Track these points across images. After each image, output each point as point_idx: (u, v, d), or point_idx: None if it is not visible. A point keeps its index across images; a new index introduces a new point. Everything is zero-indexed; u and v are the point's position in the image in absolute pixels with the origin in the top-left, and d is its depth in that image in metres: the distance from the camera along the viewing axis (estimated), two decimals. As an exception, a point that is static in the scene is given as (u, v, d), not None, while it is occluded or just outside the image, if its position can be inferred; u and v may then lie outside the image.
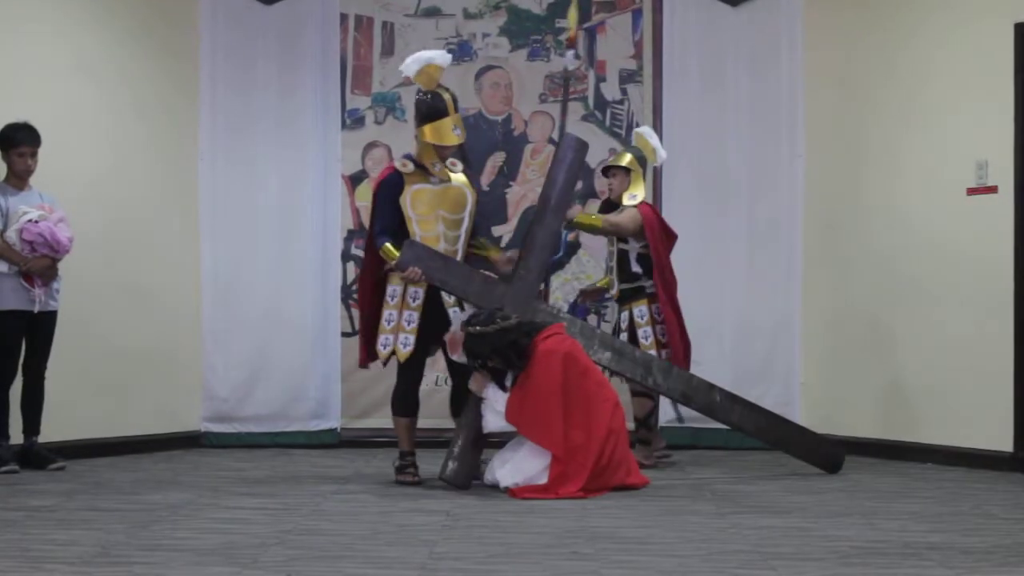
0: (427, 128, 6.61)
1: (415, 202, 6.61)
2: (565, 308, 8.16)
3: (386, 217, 6.61)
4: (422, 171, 6.67)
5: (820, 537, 5.09)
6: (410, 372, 6.66)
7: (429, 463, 6.70)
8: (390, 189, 6.63)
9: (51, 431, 7.26)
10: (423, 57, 6.66)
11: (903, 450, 7.63)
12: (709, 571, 4.45)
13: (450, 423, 6.77)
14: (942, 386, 7.43)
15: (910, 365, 7.68)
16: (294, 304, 8.32)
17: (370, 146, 8.42)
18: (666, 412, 8.19)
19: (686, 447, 8.16)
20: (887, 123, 7.92)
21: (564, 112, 7.27)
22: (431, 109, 6.61)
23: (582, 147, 6.95)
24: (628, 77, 8.49)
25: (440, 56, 6.73)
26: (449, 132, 6.61)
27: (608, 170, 7.54)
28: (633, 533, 5.19)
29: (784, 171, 8.38)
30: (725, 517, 5.61)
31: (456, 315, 6.61)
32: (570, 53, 7.23)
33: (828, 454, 7.09)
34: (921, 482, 6.83)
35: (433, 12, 8.46)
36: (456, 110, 6.68)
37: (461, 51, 8.45)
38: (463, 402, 6.61)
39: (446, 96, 6.64)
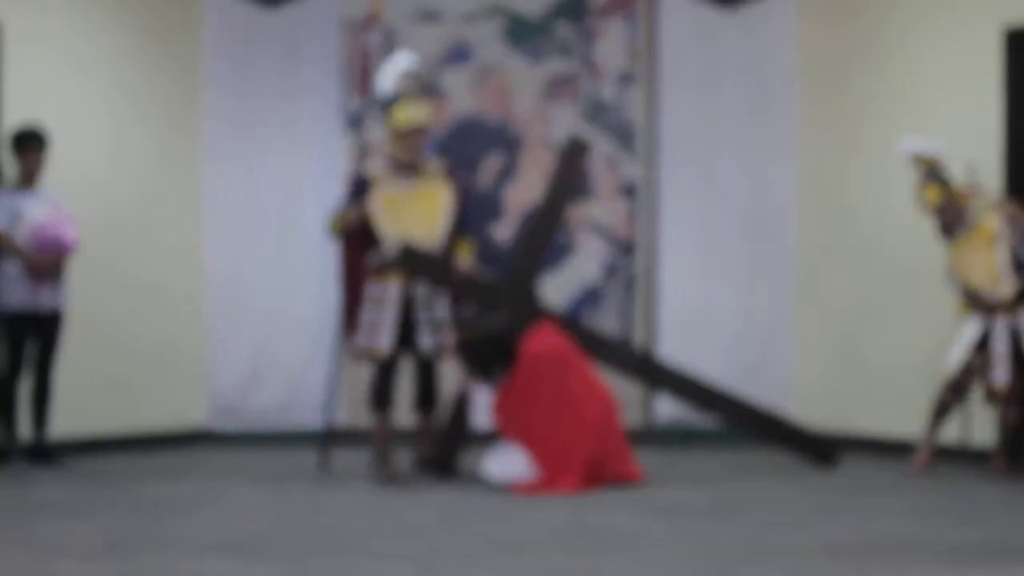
0: (387, 116, 6.73)
1: (385, 206, 6.66)
2: (561, 307, 8.21)
3: (341, 206, 6.74)
4: (395, 173, 6.71)
5: (815, 533, 5.06)
6: (385, 367, 6.69)
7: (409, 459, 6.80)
8: (353, 187, 6.75)
9: (58, 427, 7.32)
10: (394, 68, 6.76)
11: (898, 446, 7.64)
12: (705, 566, 4.42)
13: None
14: (936, 382, 7.47)
15: (905, 362, 7.72)
16: (296, 301, 8.37)
17: (369, 147, 8.44)
18: (665, 407, 8.27)
19: (683, 443, 8.21)
20: (880, 121, 7.97)
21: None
22: (388, 98, 6.72)
23: (585, 148, 6.99)
24: (625, 79, 8.55)
25: (404, 61, 6.82)
26: (404, 116, 6.66)
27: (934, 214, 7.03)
28: (630, 528, 5.18)
29: (779, 171, 8.43)
30: (721, 512, 5.61)
31: (447, 317, 6.69)
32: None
33: (823, 450, 7.10)
34: (916, 478, 6.84)
35: (432, 16, 8.50)
36: (418, 97, 6.76)
37: (460, 55, 8.51)
38: (428, 398, 6.76)
39: (407, 87, 6.76)
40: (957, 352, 6.97)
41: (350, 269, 6.86)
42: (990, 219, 6.94)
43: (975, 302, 6.99)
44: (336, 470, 6.97)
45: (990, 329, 6.92)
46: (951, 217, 7.00)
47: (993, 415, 7.16)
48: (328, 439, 6.78)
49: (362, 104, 8.41)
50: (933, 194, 6.98)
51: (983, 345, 6.95)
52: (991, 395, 6.98)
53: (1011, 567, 4.46)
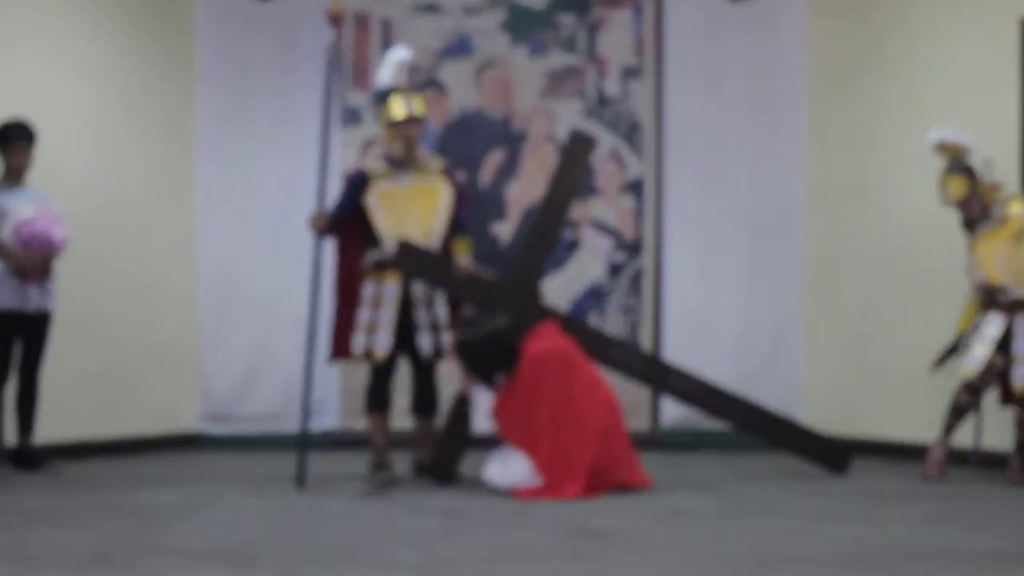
0: (381, 111, 6.67)
1: (382, 202, 6.58)
2: (565, 307, 8.13)
3: (340, 207, 6.62)
4: (393, 169, 6.62)
5: (825, 540, 5.05)
6: (381, 368, 6.62)
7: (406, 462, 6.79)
8: (352, 185, 6.64)
9: (46, 431, 7.25)
10: (392, 62, 6.70)
11: (909, 451, 7.59)
12: (711, 573, 4.42)
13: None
14: (948, 385, 7.38)
15: (916, 364, 7.64)
16: (295, 302, 8.28)
17: (368, 143, 8.39)
18: (672, 411, 8.15)
19: (689, 447, 8.15)
20: (891, 119, 7.93)
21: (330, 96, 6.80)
22: (380, 93, 6.66)
23: (589, 142, 6.91)
24: (630, 73, 8.47)
25: (399, 54, 6.75)
26: (398, 108, 6.58)
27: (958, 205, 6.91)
28: (635, 535, 5.16)
29: (787, 170, 8.37)
30: (728, 518, 5.59)
31: (446, 318, 6.62)
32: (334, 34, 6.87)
33: (834, 455, 7.04)
34: (927, 483, 6.80)
35: (432, 8, 8.43)
36: (411, 91, 6.69)
37: (461, 47, 8.44)
38: (427, 401, 6.70)
39: (400, 83, 6.69)
40: (979, 351, 6.80)
41: (344, 270, 6.75)
42: (1016, 214, 6.80)
43: (994, 299, 6.85)
44: (334, 476, 6.91)
45: (1012, 328, 6.78)
46: (975, 210, 6.90)
47: (1006, 418, 7.07)
48: (305, 449, 6.57)
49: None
50: (957, 185, 6.85)
51: (1003, 345, 6.79)
52: (1008, 396, 6.85)
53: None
